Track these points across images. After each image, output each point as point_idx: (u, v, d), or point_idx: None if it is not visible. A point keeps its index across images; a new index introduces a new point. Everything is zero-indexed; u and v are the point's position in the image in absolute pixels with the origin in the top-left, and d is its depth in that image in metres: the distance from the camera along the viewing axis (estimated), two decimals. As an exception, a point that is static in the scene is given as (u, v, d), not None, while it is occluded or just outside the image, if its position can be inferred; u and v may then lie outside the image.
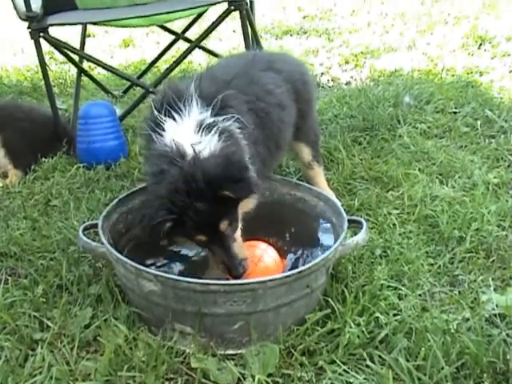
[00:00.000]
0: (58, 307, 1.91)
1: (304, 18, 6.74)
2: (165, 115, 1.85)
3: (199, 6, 3.37)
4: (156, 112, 1.88)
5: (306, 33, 6.09)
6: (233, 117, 1.87)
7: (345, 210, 2.42)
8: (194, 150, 1.72)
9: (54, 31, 3.12)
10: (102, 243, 1.88)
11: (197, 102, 1.86)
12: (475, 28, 5.41)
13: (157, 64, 4.47)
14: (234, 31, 5.77)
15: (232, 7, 2.98)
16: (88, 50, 4.56)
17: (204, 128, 1.80)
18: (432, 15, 6.22)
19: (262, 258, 2.01)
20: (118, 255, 1.79)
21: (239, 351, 1.73)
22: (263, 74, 2.25)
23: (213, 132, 1.78)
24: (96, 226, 1.99)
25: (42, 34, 3.01)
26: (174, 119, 1.84)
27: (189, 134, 1.79)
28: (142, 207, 1.94)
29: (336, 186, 2.72)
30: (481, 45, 5.07)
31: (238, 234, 1.84)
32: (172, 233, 1.72)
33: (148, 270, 1.71)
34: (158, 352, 1.66)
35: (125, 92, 4.22)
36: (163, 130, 1.83)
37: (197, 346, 1.72)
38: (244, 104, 2.03)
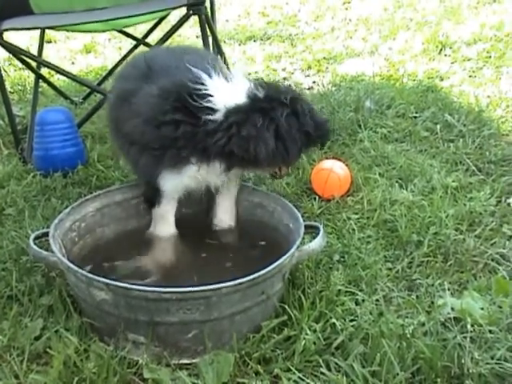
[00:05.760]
0: (7, 318, 1.85)
1: (268, 23, 6.72)
2: None
3: (158, 11, 3.33)
4: None
5: (269, 38, 6.07)
6: None
7: (305, 214, 2.42)
8: None
9: (15, 37, 3.06)
10: (53, 252, 1.84)
11: None
12: (436, 33, 5.45)
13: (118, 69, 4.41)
14: (197, 36, 5.72)
15: (191, 12, 2.94)
16: (49, 55, 4.51)
17: None
18: (395, 21, 6.26)
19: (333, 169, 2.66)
20: (69, 264, 1.75)
21: (194, 360, 1.70)
22: None
23: None
24: (48, 234, 1.94)
25: (-4, 39, 2.95)
26: None
27: None
28: None
29: (296, 190, 2.71)
30: (441, 50, 5.11)
31: None
32: None
33: (99, 278, 1.67)
34: (109, 363, 1.62)
35: (85, 98, 4.15)
36: None
37: (150, 356, 1.68)
38: None
